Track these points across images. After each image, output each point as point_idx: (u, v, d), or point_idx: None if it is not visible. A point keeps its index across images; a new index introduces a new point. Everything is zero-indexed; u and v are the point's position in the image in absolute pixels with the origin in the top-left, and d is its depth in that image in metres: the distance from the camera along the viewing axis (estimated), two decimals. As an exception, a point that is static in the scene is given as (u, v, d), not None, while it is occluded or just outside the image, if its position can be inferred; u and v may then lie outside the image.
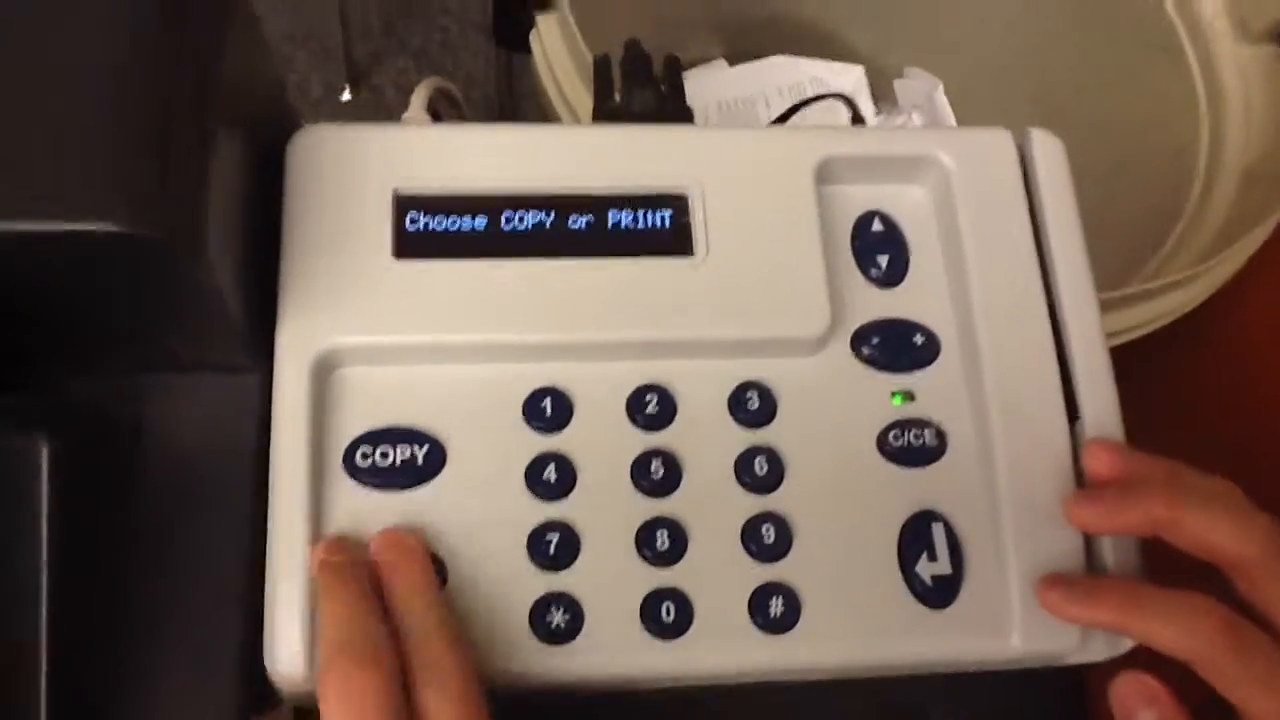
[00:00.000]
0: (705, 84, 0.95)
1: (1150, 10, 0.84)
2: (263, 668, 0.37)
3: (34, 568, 0.33)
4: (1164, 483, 0.39)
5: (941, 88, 0.95)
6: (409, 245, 0.40)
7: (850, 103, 0.68)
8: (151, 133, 0.33)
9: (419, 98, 0.49)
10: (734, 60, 0.99)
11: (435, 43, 1.17)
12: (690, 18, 0.95)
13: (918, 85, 0.97)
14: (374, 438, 0.39)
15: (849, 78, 0.95)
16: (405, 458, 0.39)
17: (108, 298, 0.35)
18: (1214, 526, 0.37)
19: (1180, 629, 0.37)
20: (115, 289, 0.35)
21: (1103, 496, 0.40)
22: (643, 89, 0.45)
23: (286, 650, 0.37)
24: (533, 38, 0.72)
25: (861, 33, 0.99)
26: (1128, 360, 0.44)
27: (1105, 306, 0.44)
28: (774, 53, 0.97)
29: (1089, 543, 0.40)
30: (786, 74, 0.97)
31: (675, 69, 0.46)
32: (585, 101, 0.65)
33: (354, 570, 0.36)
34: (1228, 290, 0.73)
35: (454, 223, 0.40)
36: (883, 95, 0.97)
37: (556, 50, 0.71)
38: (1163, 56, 0.85)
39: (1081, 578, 0.40)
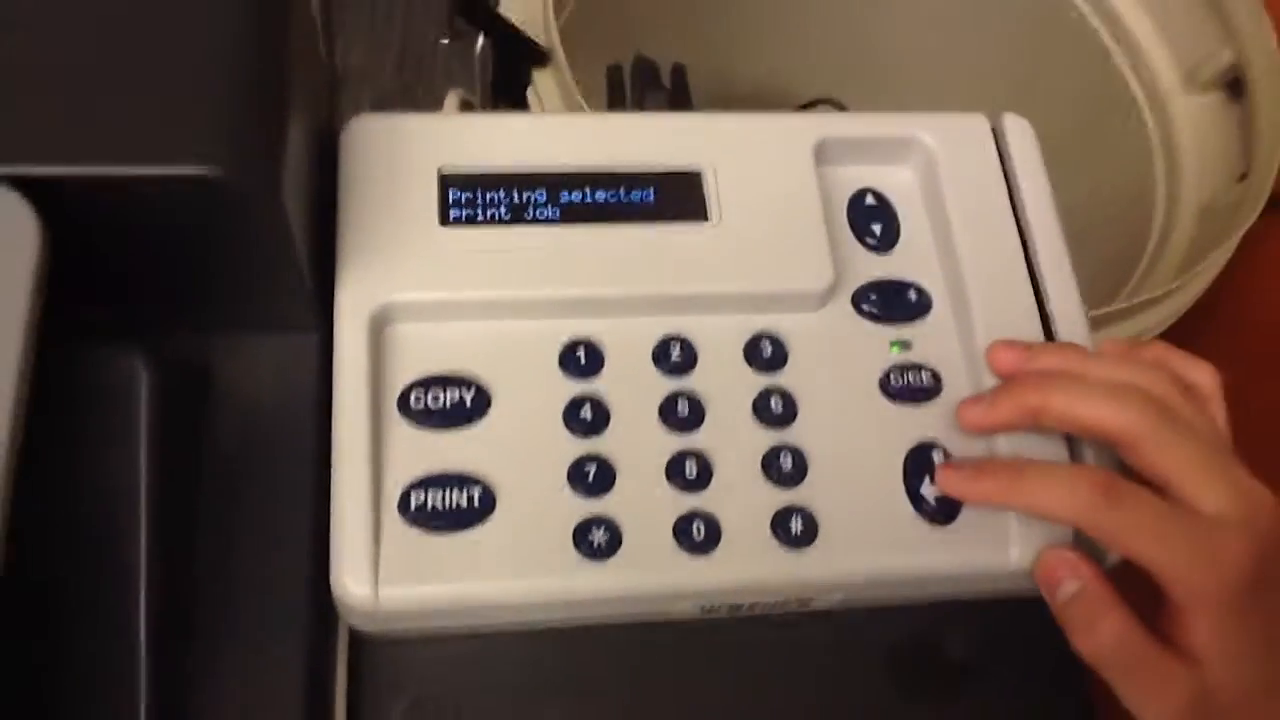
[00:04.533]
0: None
1: (1105, 69, 0.90)
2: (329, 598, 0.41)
3: (134, 481, 0.37)
4: (1040, 371, 0.43)
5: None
6: (453, 215, 0.44)
7: (840, 106, 0.73)
8: (240, 90, 0.38)
9: (451, 103, 0.54)
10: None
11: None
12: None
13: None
14: (425, 383, 0.43)
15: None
16: (455, 400, 0.43)
17: (196, 246, 0.39)
18: (1085, 406, 0.42)
19: (1060, 492, 0.41)
20: (205, 237, 0.39)
21: (982, 395, 0.44)
22: (654, 92, 0.50)
23: (353, 577, 0.40)
24: (530, 94, 0.77)
25: (819, 91, 1.04)
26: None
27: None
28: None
29: (1073, 457, 0.44)
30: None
31: (682, 75, 0.52)
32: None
33: None
34: (1194, 312, 0.78)
35: (492, 196, 0.45)
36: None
37: (554, 105, 0.76)
38: (1118, 112, 0.91)
39: (973, 460, 0.44)
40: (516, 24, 0.74)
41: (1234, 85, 0.85)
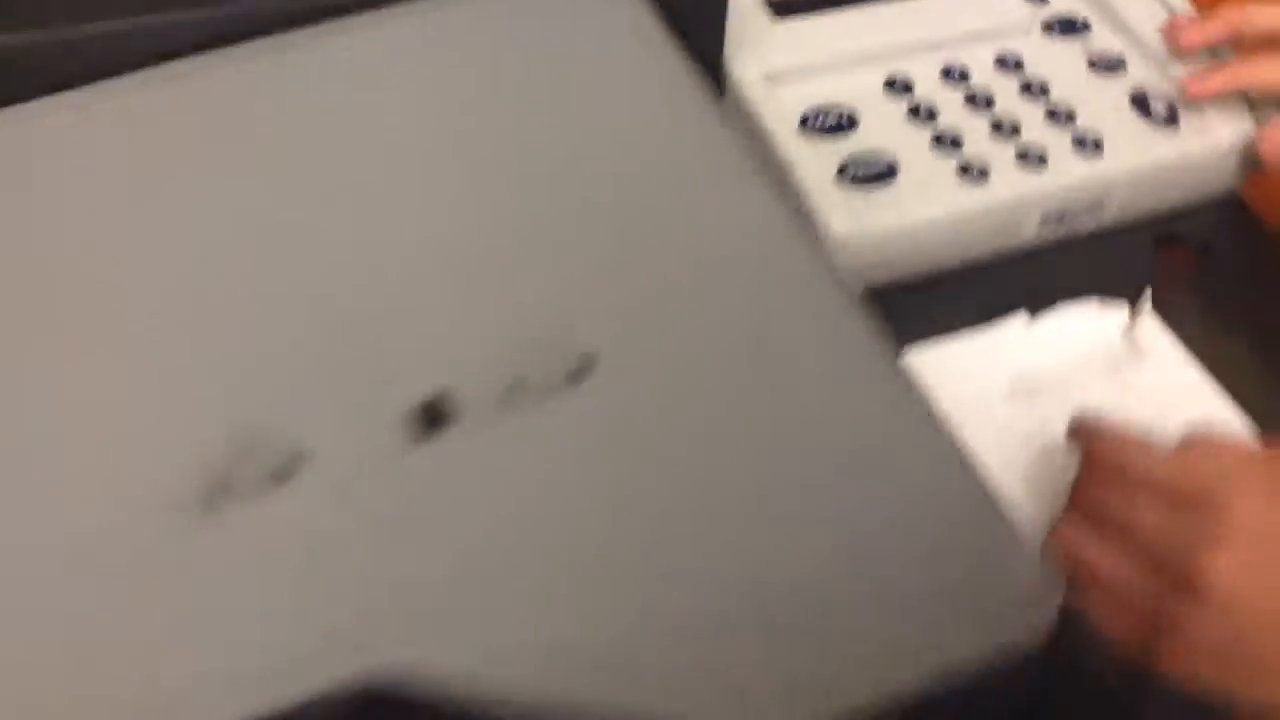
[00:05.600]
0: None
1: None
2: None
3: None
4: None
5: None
6: (780, 11, 0.63)
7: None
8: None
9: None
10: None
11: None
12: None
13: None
14: (813, 110, 0.60)
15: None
16: (837, 117, 0.60)
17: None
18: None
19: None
20: None
21: (1187, 20, 0.65)
22: None
23: (836, 222, 0.55)
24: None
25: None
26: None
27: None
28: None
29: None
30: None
31: None
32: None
33: None
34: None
35: None
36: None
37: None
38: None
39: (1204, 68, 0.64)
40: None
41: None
